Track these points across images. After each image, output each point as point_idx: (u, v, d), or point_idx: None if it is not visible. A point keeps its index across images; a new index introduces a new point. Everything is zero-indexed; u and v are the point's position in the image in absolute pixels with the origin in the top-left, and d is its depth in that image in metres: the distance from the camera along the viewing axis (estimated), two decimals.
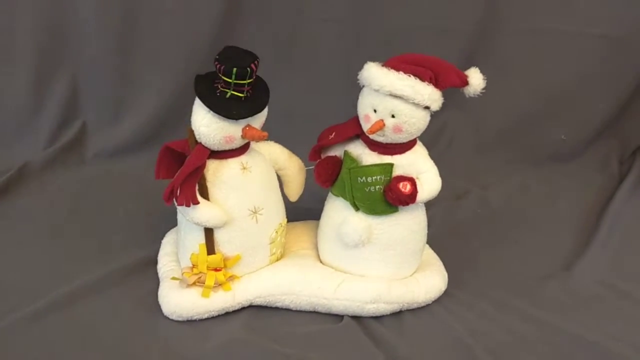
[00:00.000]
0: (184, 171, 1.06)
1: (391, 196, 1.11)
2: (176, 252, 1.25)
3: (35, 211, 1.44)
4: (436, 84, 1.08)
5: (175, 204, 1.09)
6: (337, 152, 1.19)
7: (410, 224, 1.17)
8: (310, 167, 1.22)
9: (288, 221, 1.26)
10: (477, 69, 1.11)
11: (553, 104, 1.72)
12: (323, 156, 1.20)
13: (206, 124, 1.06)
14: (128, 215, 1.45)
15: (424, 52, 1.12)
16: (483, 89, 1.10)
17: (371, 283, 1.17)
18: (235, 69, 1.02)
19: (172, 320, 1.14)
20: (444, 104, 1.11)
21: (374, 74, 1.07)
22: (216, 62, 1.03)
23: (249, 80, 1.04)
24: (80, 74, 1.67)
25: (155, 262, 1.27)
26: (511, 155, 1.74)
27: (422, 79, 1.06)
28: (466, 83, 1.10)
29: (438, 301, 1.22)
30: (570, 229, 1.49)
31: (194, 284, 1.15)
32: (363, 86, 1.11)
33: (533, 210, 1.56)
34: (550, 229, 1.49)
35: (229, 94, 1.04)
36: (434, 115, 1.13)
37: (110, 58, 1.65)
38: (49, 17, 1.61)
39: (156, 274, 1.24)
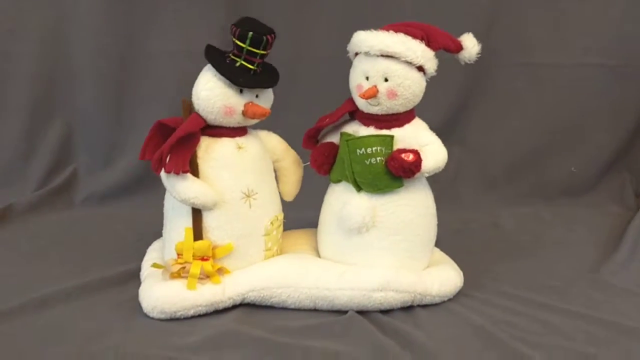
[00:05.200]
0: (175, 135, 1.00)
1: (394, 165, 1.02)
2: (162, 258, 1.14)
3: (17, 241, 1.35)
4: (428, 43, 1.04)
5: (163, 173, 1.01)
6: (332, 139, 1.13)
7: (418, 206, 1.08)
8: (307, 164, 1.15)
9: (285, 230, 1.16)
10: (470, 34, 1.08)
11: (559, 137, 1.67)
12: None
13: (209, 88, 1.02)
14: (114, 245, 1.34)
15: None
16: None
17: (378, 269, 1.05)
18: (250, 33, 1.00)
19: (152, 318, 1.01)
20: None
21: (363, 36, 1.04)
22: (232, 26, 1.01)
23: (262, 52, 1.02)
24: (73, 119, 1.65)
25: (138, 277, 1.14)
26: (521, 190, 1.65)
27: (414, 37, 1.02)
28: (460, 48, 1.07)
29: (455, 300, 1.09)
30: (591, 248, 1.37)
31: (177, 273, 1.02)
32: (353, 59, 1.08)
33: (550, 234, 1.45)
34: (570, 247, 1.38)
35: (239, 63, 1.02)
36: None
37: (103, 102, 1.63)
38: (42, 64, 1.61)
39: (138, 285, 1.11)
